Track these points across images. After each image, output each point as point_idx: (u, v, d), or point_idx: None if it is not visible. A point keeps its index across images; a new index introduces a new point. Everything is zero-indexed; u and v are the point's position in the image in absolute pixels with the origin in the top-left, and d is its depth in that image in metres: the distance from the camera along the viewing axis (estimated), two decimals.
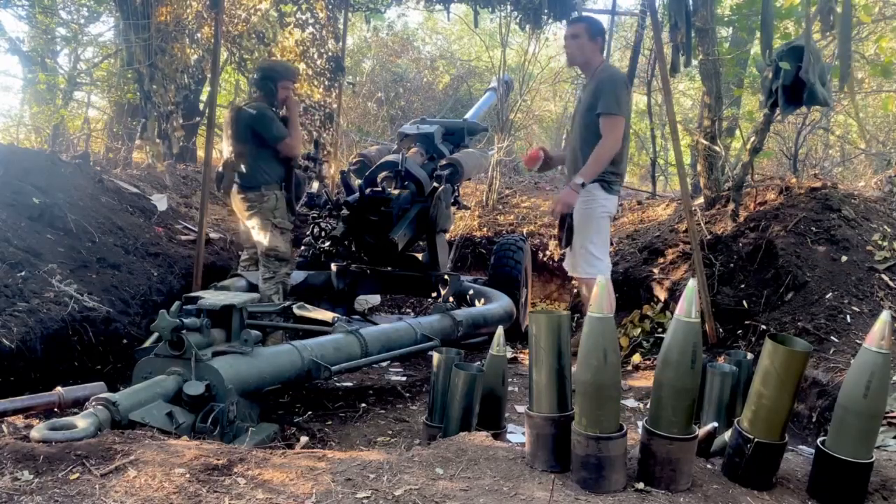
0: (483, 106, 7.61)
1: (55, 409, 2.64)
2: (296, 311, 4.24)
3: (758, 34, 4.86)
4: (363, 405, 3.93)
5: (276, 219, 4.76)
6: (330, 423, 3.63)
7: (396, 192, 5.20)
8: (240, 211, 4.82)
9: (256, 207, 4.71)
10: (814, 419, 3.34)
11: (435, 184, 5.41)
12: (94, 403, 2.40)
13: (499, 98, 8.22)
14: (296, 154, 4.82)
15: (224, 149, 4.86)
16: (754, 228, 4.86)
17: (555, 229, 7.70)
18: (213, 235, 5.92)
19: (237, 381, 2.96)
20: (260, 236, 4.75)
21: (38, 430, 2.11)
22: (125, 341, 4.11)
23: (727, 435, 2.16)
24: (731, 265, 4.79)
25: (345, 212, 5.22)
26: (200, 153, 9.32)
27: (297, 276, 5.40)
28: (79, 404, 2.61)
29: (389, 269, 5.45)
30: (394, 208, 5.08)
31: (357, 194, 5.15)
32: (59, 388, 2.67)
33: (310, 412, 3.77)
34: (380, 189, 5.14)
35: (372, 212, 5.11)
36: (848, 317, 3.86)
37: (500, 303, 5.24)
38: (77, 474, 1.88)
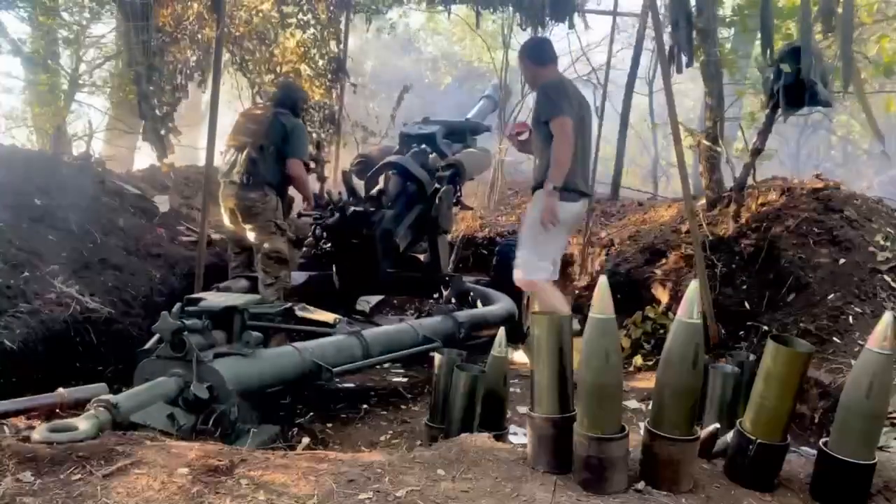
0: (485, 106, 7.60)
1: (57, 411, 2.64)
2: (297, 312, 4.25)
3: (758, 35, 4.86)
4: (365, 406, 3.93)
5: (278, 220, 4.78)
6: (331, 424, 3.63)
7: (379, 212, 5.03)
8: (239, 211, 4.80)
9: (260, 209, 4.72)
10: (816, 420, 3.33)
11: (437, 184, 5.40)
12: (95, 405, 2.40)
13: (500, 98, 8.20)
14: (294, 174, 4.90)
15: (232, 139, 4.86)
16: (756, 229, 4.85)
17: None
18: (214, 236, 5.92)
19: (239, 382, 2.96)
20: (262, 238, 4.75)
21: (40, 431, 2.11)
22: (127, 342, 4.11)
23: (729, 436, 2.15)
24: (733, 266, 4.78)
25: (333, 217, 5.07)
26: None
27: (299, 276, 5.39)
28: (80, 406, 2.60)
29: (391, 270, 5.45)
30: (376, 231, 4.89)
31: (337, 216, 4.94)
32: (60, 390, 2.67)
33: (311, 413, 3.76)
34: (361, 210, 4.97)
35: (353, 234, 4.94)
36: (850, 318, 3.85)
37: (501, 304, 5.23)
38: (79, 475, 1.88)
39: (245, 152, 4.71)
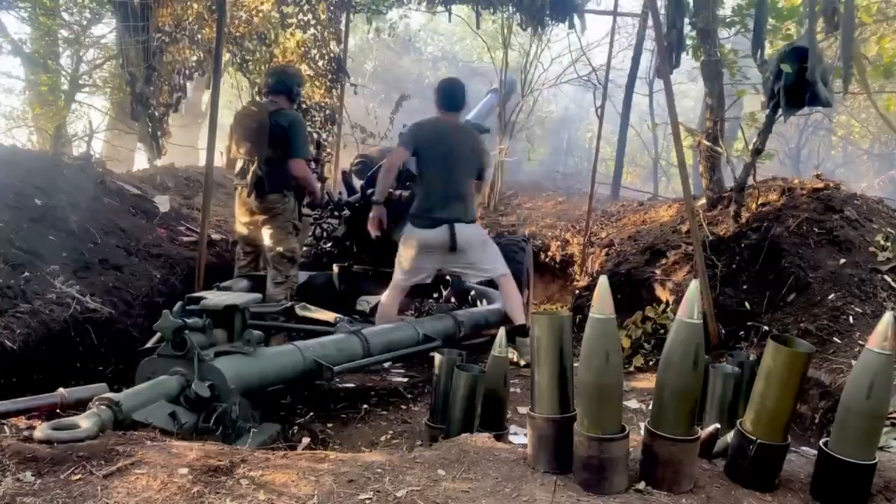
0: (485, 107, 7.61)
1: (57, 411, 2.64)
2: (298, 311, 4.25)
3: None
4: (365, 406, 3.93)
5: (295, 220, 4.85)
6: (332, 424, 3.63)
7: (398, 192, 5.21)
8: (259, 213, 4.82)
9: (280, 209, 4.76)
10: (816, 420, 3.33)
11: None
12: (97, 403, 2.40)
13: (500, 98, 8.22)
14: (298, 174, 4.85)
15: (237, 150, 4.85)
16: (756, 229, 4.85)
17: (556, 230, 7.70)
18: (215, 236, 5.93)
19: (239, 381, 2.96)
20: (277, 238, 4.78)
21: (41, 430, 2.11)
22: (127, 342, 4.11)
23: (729, 436, 2.15)
24: (734, 266, 4.79)
25: (346, 212, 5.24)
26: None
27: (300, 276, 5.40)
28: (81, 405, 2.60)
29: (391, 269, 5.45)
30: (394, 208, 5.09)
31: (358, 194, 5.16)
32: (61, 390, 2.67)
33: (312, 413, 3.77)
34: None
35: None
36: (850, 318, 3.85)
37: (502, 304, 5.23)
38: (79, 475, 1.88)
39: (255, 165, 4.71)
